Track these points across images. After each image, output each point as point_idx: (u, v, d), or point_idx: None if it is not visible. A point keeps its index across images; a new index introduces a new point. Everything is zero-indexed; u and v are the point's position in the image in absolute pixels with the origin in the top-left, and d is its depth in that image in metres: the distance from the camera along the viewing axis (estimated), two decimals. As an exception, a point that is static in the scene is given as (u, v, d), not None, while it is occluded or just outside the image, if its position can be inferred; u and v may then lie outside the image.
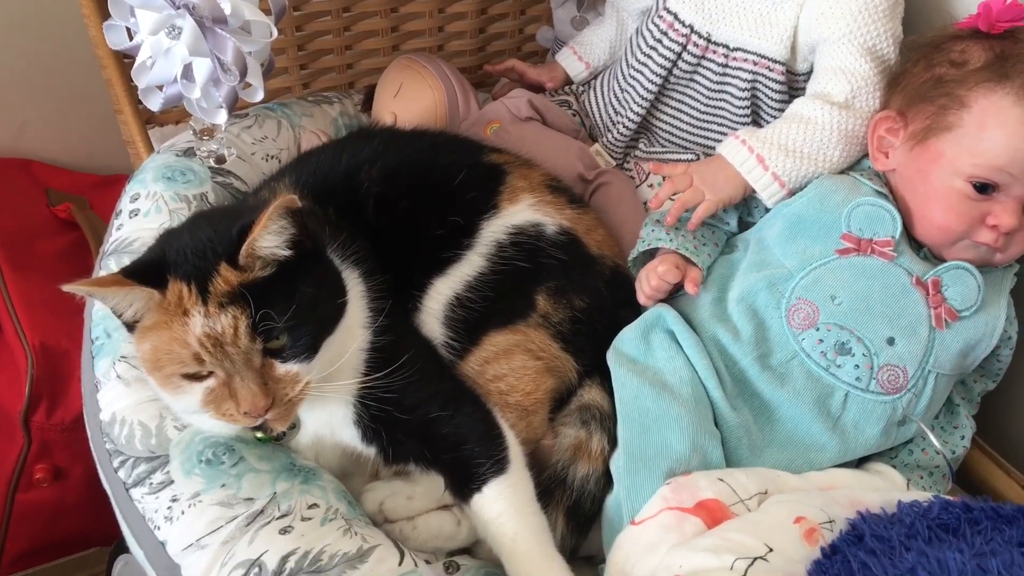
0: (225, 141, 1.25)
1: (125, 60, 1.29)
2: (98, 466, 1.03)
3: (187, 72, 1.10)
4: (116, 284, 0.87)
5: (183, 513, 0.93)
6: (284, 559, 0.87)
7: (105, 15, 1.11)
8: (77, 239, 1.61)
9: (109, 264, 1.15)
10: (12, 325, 1.40)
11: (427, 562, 0.96)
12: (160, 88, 1.14)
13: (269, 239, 0.87)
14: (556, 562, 0.95)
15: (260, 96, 1.13)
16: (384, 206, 1.09)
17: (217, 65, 1.09)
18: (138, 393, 1.02)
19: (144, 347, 0.89)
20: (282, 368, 0.89)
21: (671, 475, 0.97)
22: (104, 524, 1.13)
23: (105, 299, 0.89)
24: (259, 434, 0.98)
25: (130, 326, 0.91)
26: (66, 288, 0.86)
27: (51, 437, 1.38)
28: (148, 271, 0.88)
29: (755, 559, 0.84)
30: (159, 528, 0.93)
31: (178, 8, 1.04)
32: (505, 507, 0.96)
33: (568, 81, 1.50)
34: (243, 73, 1.08)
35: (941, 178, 1.05)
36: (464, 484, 0.98)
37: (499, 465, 0.98)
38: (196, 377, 0.88)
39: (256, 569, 0.87)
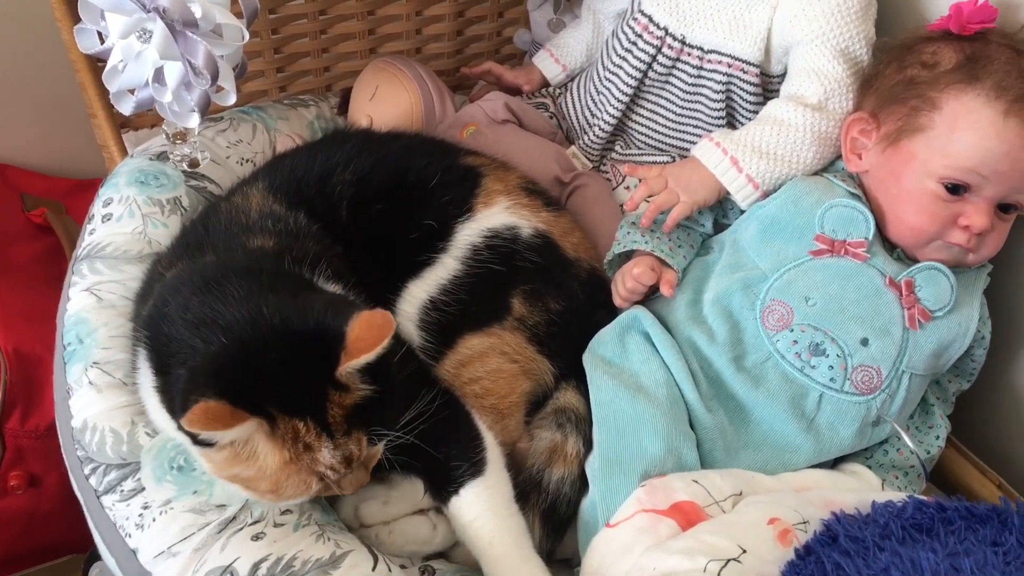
0: (199, 145, 1.24)
1: (98, 64, 1.28)
2: (70, 473, 1.02)
3: (159, 76, 1.09)
4: (236, 420, 0.80)
5: (154, 520, 0.92)
6: (256, 565, 0.87)
7: (76, 18, 1.10)
8: (52, 244, 1.60)
9: (82, 269, 1.14)
10: (-15, 331, 1.38)
11: (402, 567, 0.96)
12: (132, 92, 1.13)
13: (369, 357, 0.84)
14: (534, 563, 0.95)
15: (232, 99, 1.12)
16: (358, 209, 1.09)
17: (189, 69, 1.08)
18: (110, 399, 1.02)
19: (247, 471, 0.85)
20: (372, 450, 0.89)
21: (646, 477, 0.97)
22: (79, 531, 1.11)
23: (215, 434, 0.81)
24: None
25: (201, 441, 0.85)
26: (186, 426, 0.79)
27: (25, 444, 1.37)
28: (239, 397, 0.81)
29: (728, 560, 0.84)
30: (130, 536, 0.92)
31: (148, 12, 1.04)
32: (483, 509, 0.96)
33: (545, 83, 1.50)
34: (214, 77, 1.07)
35: (913, 179, 1.06)
36: (442, 487, 0.98)
37: (476, 467, 0.98)
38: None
39: (228, 575, 0.86)
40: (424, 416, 0.91)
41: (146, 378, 0.96)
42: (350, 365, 0.84)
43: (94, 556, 1.30)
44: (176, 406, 0.84)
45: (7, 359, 1.35)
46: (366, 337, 0.84)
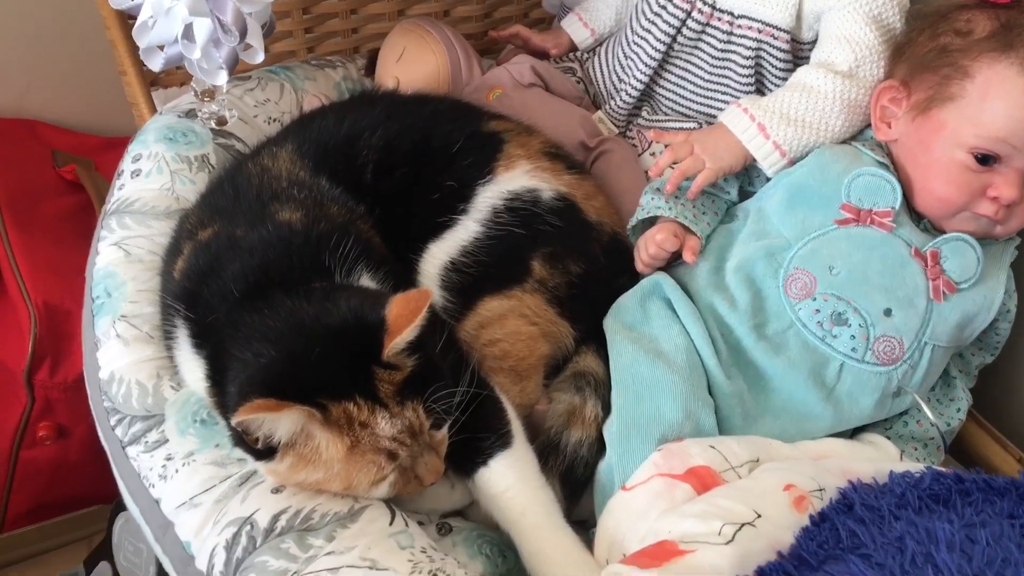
0: (226, 103, 1.25)
1: (128, 20, 1.29)
2: (96, 424, 1.04)
3: (187, 32, 1.10)
4: (282, 408, 0.82)
5: (177, 472, 0.94)
6: (275, 517, 0.88)
7: (106, -26, 1.11)
8: (82, 200, 1.62)
9: (111, 223, 1.16)
10: (16, 285, 1.41)
11: (420, 523, 0.97)
12: (161, 48, 1.14)
13: (410, 332, 0.86)
14: (565, 533, 0.95)
15: (260, 58, 1.13)
16: (382, 173, 1.09)
17: (217, 25, 1.09)
18: (136, 352, 1.03)
19: (315, 474, 0.87)
20: (438, 435, 0.91)
21: (663, 442, 0.98)
22: (106, 482, 1.13)
23: (264, 424, 0.83)
24: None
25: (262, 453, 0.87)
26: (236, 420, 0.82)
27: (54, 396, 1.40)
28: (287, 394, 0.83)
29: (742, 524, 0.85)
30: (154, 486, 0.94)
31: (178, -32, 1.04)
32: (513, 481, 0.96)
33: (573, 48, 1.49)
34: (243, 34, 1.08)
35: (942, 149, 1.05)
36: (468, 459, 0.98)
37: (504, 440, 0.98)
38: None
39: (248, 527, 0.88)
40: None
41: (184, 344, 0.98)
42: (395, 344, 0.86)
43: (120, 506, 1.32)
44: (230, 412, 0.87)
45: (37, 312, 1.37)
46: (404, 313, 0.86)
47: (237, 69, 1.19)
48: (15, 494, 1.44)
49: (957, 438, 1.17)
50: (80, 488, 1.46)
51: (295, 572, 0.83)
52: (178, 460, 0.94)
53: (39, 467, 1.43)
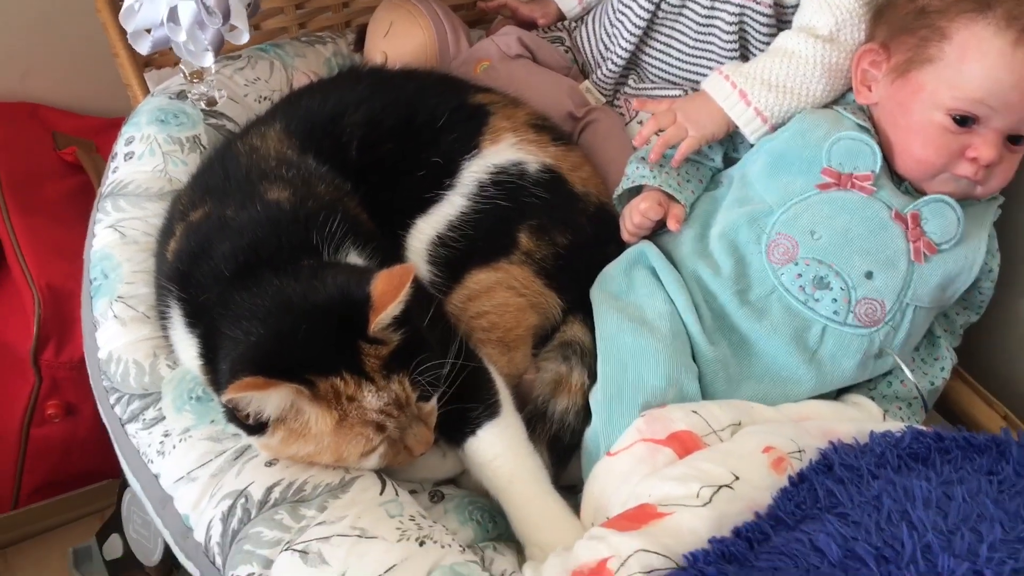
0: (215, 83, 1.26)
1: (118, 4, 1.30)
2: (98, 402, 1.07)
3: (173, 15, 1.12)
4: (270, 386, 0.84)
5: (174, 447, 0.97)
6: (269, 490, 0.91)
7: (94, -41, 1.12)
8: (83, 182, 1.64)
9: (106, 206, 1.18)
10: (19, 267, 1.43)
11: (413, 492, 1.00)
12: (148, 31, 1.16)
13: (395, 308, 0.88)
14: (552, 498, 0.98)
15: (245, 38, 1.14)
16: (367, 149, 1.11)
17: (202, 8, 1.10)
18: (133, 332, 1.06)
19: (306, 447, 0.90)
20: (427, 406, 0.93)
21: (647, 408, 0.99)
22: (114, 458, 1.17)
23: (253, 401, 0.86)
24: None
25: (253, 428, 0.89)
26: (226, 398, 0.84)
27: (61, 375, 1.43)
28: (275, 372, 0.85)
29: (720, 487, 0.87)
30: (152, 462, 0.97)
31: (159, -49, 1.05)
32: (501, 450, 0.99)
33: (561, 17, 1.49)
34: (226, 16, 1.09)
35: (921, 111, 1.05)
36: (457, 428, 1.00)
37: (492, 409, 1.00)
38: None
39: (243, 499, 0.91)
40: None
41: (178, 323, 1.01)
42: (380, 320, 0.88)
43: (127, 481, 1.36)
44: (221, 390, 0.89)
45: (40, 294, 1.40)
46: (388, 289, 0.88)
47: (225, 49, 1.21)
48: (27, 471, 1.48)
49: (943, 396, 1.18)
50: (90, 463, 1.50)
51: (288, 542, 0.86)
52: (175, 436, 0.97)
53: (49, 444, 1.47)
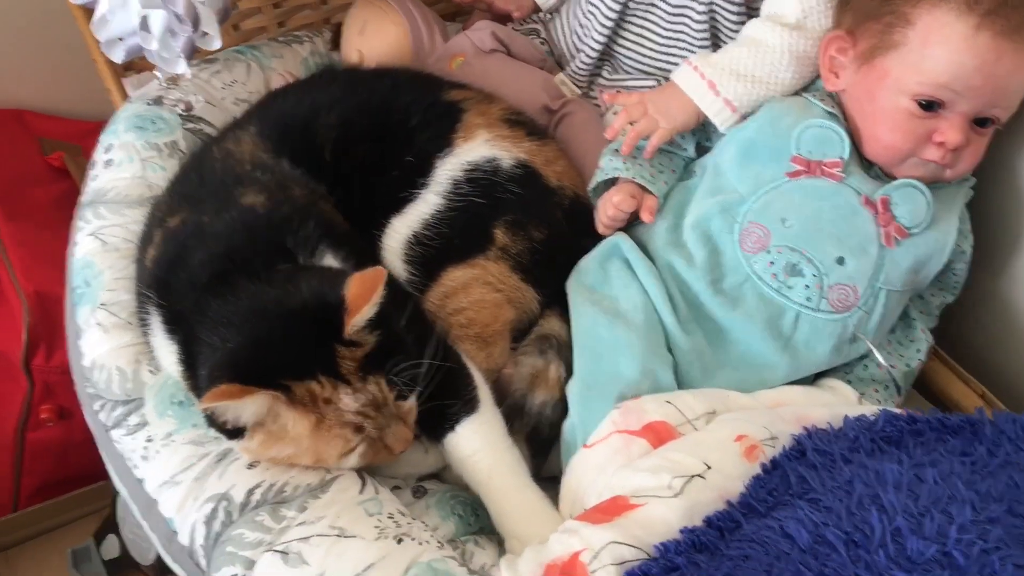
0: (191, 88, 1.27)
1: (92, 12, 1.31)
2: (83, 409, 1.09)
3: (145, 24, 1.13)
4: (246, 393, 0.86)
5: (158, 452, 0.98)
6: (250, 492, 0.93)
7: (70, -32, 1.13)
8: (70, 187, 1.65)
9: (86, 214, 1.19)
10: (7, 273, 1.45)
11: (396, 487, 1.02)
12: (121, 40, 1.16)
13: (369, 310, 0.90)
14: (531, 491, 1.00)
15: (217, 44, 1.15)
16: (341, 151, 1.12)
17: (172, 16, 1.11)
18: (115, 339, 1.08)
19: (285, 449, 0.91)
20: (406, 405, 0.95)
21: (622, 400, 1.01)
22: (107, 460, 1.19)
23: (229, 409, 0.88)
24: None
25: (233, 433, 0.91)
26: (203, 407, 0.87)
27: (53, 379, 1.45)
28: (250, 378, 0.87)
29: (692, 477, 0.88)
30: (137, 467, 0.99)
31: (127, -39, 1.06)
32: (480, 445, 1.00)
33: (536, 9, 1.49)
34: (196, 24, 1.10)
35: (887, 97, 1.06)
36: (438, 425, 1.01)
37: (470, 405, 1.02)
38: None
39: (225, 502, 0.92)
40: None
41: (158, 330, 1.02)
42: (355, 322, 0.89)
43: (119, 484, 1.38)
44: (201, 396, 0.91)
45: (29, 301, 1.42)
46: (362, 292, 0.89)
47: (201, 53, 1.21)
48: (25, 475, 1.51)
49: (922, 376, 1.19)
50: (86, 465, 1.50)
51: (269, 543, 0.88)
52: (158, 441, 0.99)
53: (45, 448, 1.49)
